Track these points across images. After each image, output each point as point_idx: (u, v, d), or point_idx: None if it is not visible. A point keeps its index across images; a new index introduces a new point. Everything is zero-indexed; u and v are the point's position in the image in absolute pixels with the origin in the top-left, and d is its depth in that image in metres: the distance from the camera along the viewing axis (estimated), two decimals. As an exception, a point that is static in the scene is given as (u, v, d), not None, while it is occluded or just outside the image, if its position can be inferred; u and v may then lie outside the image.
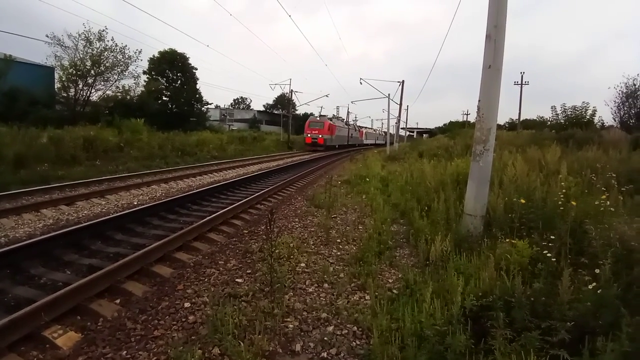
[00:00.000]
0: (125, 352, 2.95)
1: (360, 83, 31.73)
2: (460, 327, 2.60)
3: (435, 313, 2.92)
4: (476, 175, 5.25)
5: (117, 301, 3.87)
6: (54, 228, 6.28)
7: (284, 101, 63.75)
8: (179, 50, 33.88)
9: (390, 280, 4.33)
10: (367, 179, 11.46)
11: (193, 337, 3.10)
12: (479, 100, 5.32)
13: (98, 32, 23.82)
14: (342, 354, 2.94)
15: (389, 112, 36.81)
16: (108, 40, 24.41)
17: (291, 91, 46.18)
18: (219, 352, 2.89)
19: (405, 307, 3.14)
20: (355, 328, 3.30)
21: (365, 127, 75.04)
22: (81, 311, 3.62)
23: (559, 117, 18.94)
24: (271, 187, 10.90)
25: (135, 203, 8.55)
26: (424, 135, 67.53)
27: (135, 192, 9.89)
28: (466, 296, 3.04)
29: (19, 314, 3.16)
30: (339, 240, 5.86)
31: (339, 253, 5.31)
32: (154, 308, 3.65)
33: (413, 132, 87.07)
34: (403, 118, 48.57)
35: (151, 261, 4.81)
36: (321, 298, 3.90)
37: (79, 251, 5.28)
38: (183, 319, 3.43)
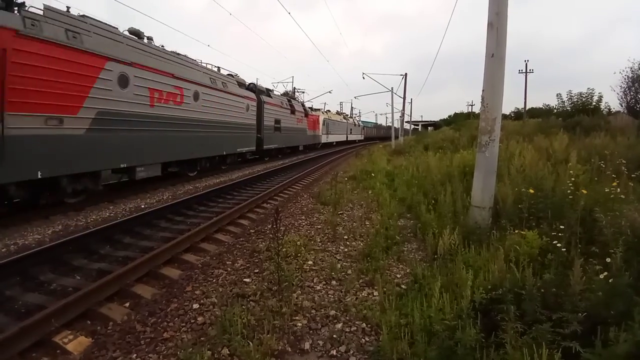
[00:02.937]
0: (135, 355, 2.96)
1: (363, 78, 31.44)
2: (470, 322, 2.57)
3: (445, 307, 2.89)
4: (482, 166, 5.19)
5: (127, 304, 3.90)
6: (62, 234, 6.32)
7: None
8: (181, 52, 33.81)
9: (398, 276, 4.30)
10: (373, 174, 11.42)
11: (202, 338, 3.11)
12: (483, 90, 5.26)
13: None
14: (351, 351, 2.93)
15: (392, 105, 36.31)
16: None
17: (294, 89, 45.68)
18: (228, 352, 2.89)
19: (414, 303, 3.11)
20: (364, 325, 3.28)
21: (321, 111, 38.22)
22: (91, 315, 3.65)
23: (565, 104, 18.73)
24: (277, 186, 10.92)
25: (143, 206, 8.59)
26: (429, 128, 66.74)
27: (142, 196, 9.93)
28: (475, 289, 3.01)
29: (29, 321, 3.18)
30: (346, 237, 5.84)
31: (346, 250, 5.30)
32: (163, 310, 3.66)
33: (418, 125, 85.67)
34: (407, 111, 46.41)
35: (159, 263, 4.84)
36: (329, 295, 3.88)
37: (88, 256, 5.32)
38: (192, 320, 3.44)
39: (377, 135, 74.93)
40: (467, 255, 3.97)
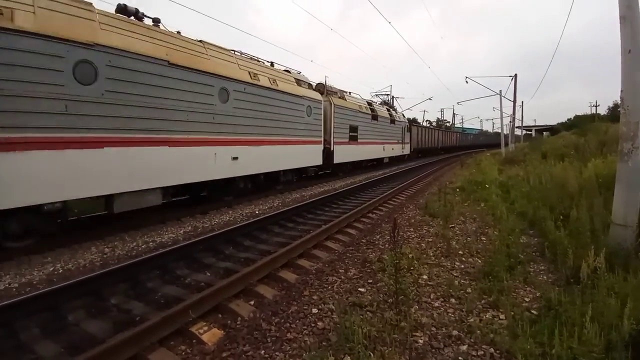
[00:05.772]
0: (263, 351, 3.14)
1: (466, 82, 29.82)
2: (624, 355, 2.26)
3: (591, 338, 2.58)
4: (625, 177, 4.57)
5: (252, 302, 4.18)
6: (193, 234, 7.10)
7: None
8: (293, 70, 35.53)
9: (526, 299, 3.94)
10: (486, 185, 10.70)
11: (324, 343, 3.19)
12: (622, 91, 4.68)
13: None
14: (480, 376, 2.76)
15: (501, 110, 33.57)
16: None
17: (392, 97, 44.67)
18: (350, 360, 2.93)
19: (552, 331, 2.82)
20: (492, 349, 3.05)
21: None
22: (222, 310, 3.98)
23: None
24: (380, 196, 10.84)
25: (257, 212, 9.24)
26: (544, 133, 60.27)
27: (256, 202, 10.71)
28: (625, 320, 2.64)
29: (170, 311, 3.55)
30: (460, 252, 5.55)
31: (462, 266, 5.03)
32: (284, 312, 3.85)
33: (530, 130, 77.53)
34: (518, 116, 41.98)
35: (277, 267, 5.12)
36: (449, 314, 3.71)
37: (215, 255, 5.88)
38: (312, 324, 3.57)
39: (448, 144, 46.34)
40: (611, 281, 3.50)
